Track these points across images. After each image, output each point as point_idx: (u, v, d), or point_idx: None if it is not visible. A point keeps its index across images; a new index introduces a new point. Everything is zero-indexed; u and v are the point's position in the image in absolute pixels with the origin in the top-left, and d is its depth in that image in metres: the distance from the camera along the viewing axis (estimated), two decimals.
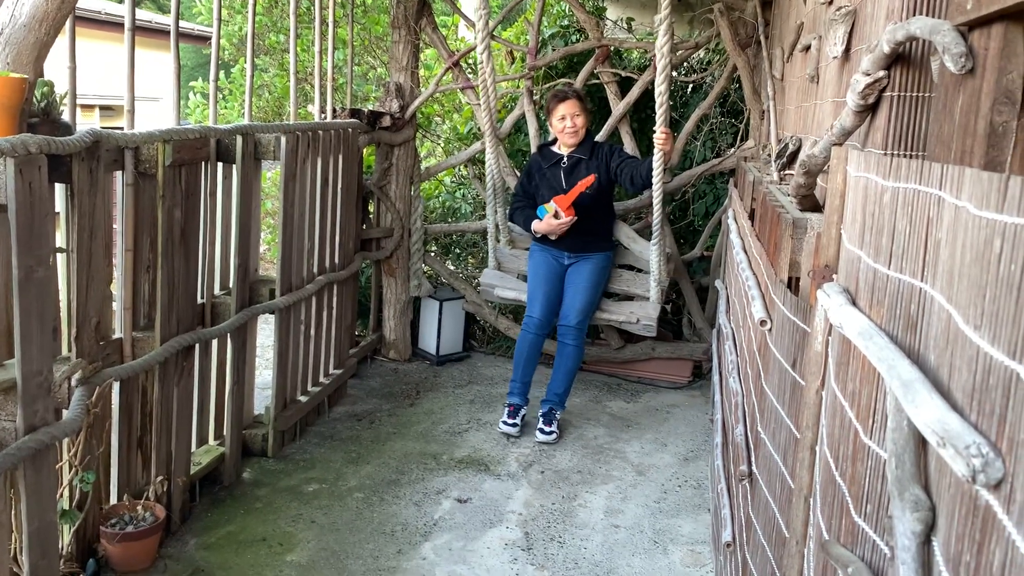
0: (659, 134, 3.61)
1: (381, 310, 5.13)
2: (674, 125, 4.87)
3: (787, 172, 2.50)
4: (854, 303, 1.05)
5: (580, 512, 3.33)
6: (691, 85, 5.27)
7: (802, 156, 1.79)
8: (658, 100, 3.58)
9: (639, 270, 4.42)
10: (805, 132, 2.52)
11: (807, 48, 2.56)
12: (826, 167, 1.54)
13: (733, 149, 4.74)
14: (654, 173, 3.71)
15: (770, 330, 1.78)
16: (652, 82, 4.56)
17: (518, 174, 4.99)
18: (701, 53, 5.28)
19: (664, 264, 4.19)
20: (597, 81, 4.83)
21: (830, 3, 2.13)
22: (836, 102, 1.87)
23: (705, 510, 3.39)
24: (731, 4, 4.43)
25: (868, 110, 1.38)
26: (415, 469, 3.61)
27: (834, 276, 1.25)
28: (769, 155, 3.02)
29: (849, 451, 1.02)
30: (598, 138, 4.75)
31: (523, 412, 4.11)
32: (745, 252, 2.64)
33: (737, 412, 2.36)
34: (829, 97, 2.03)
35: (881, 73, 1.31)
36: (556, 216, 3.88)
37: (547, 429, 4.00)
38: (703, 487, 3.61)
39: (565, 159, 4.03)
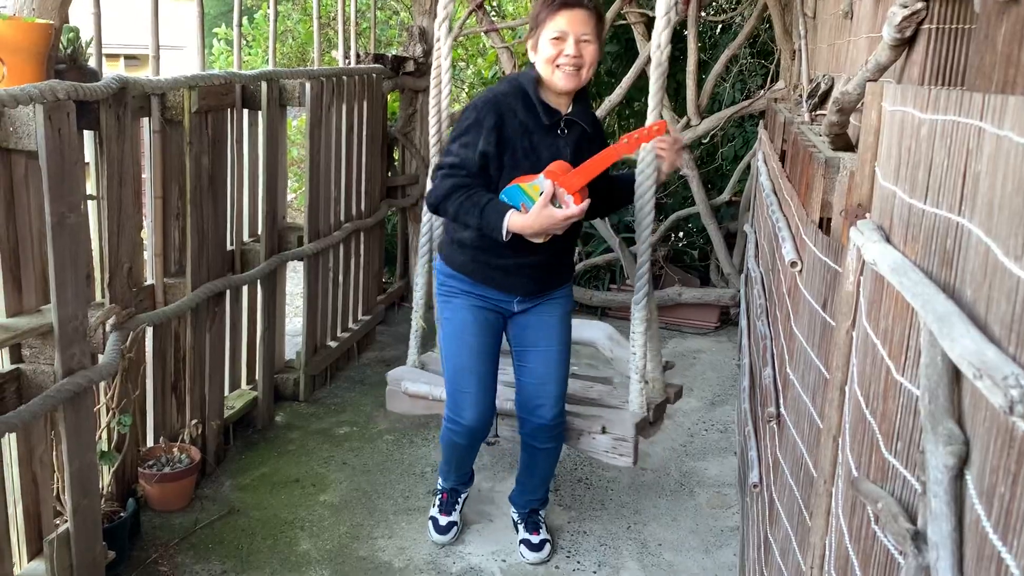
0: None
1: (407, 257, 5.14)
2: (703, 66, 4.78)
3: (819, 112, 2.45)
4: (888, 240, 1.03)
5: None
6: (720, 25, 5.16)
7: (835, 94, 1.76)
8: (653, 76, 2.56)
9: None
10: (838, 71, 2.46)
11: None
12: (860, 104, 1.51)
13: (763, 90, 4.65)
14: (638, 198, 2.58)
15: (800, 271, 1.77)
16: (681, 22, 4.48)
17: None
18: None
19: (657, 358, 2.80)
20: (624, 22, 4.73)
21: None
22: (871, 38, 1.82)
23: (731, 453, 3.41)
24: None
25: (905, 44, 1.34)
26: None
27: (867, 215, 1.23)
28: (800, 95, 2.96)
29: (880, 389, 1.01)
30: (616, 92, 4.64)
31: (464, 496, 2.84)
32: (775, 194, 2.60)
33: (766, 355, 2.35)
34: (863, 33, 1.97)
35: (919, 5, 1.27)
36: (554, 203, 2.24)
37: (535, 540, 2.68)
38: (729, 431, 3.62)
39: (563, 120, 2.34)
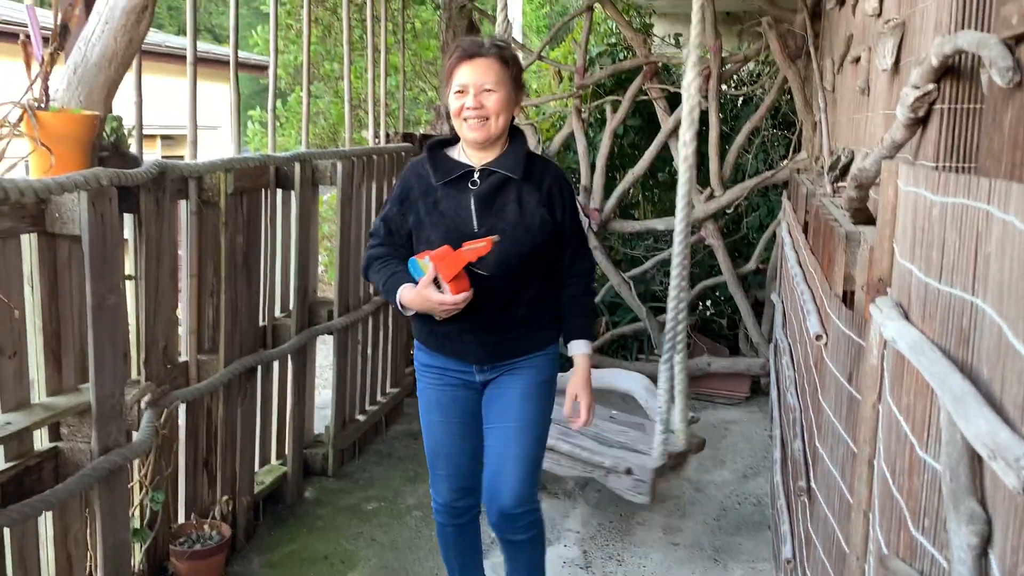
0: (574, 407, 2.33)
1: None
2: (725, 138, 4.85)
3: (840, 184, 2.48)
4: (907, 317, 1.05)
5: (638, 530, 3.32)
6: (741, 98, 5.25)
7: (854, 169, 1.79)
8: (682, 152, 2.72)
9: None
10: (857, 144, 2.50)
11: (857, 60, 2.55)
12: (878, 180, 1.54)
13: (786, 161, 4.70)
14: (677, 234, 2.72)
15: (826, 344, 1.77)
16: (703, 95, 4.57)
17: None
18: (751, 65, 5.25)
19: (684, 411, 3.11)
20: (646, 97, 4.84)
21: (879, 15, 2.13)
22: (887, 114, 1.86)
23: (765, 527, 3.35)
24: (779, 17, 4.41)
25: (918, 123, 1.38)
26: None
27: (888, 289, 1.25)
28: (822, 167, 3.00)
29: (906, 465, 1.02)
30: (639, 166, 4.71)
31: None
32: (800, 265, 2.62)
33: (795, 427, 2.34)
34: (880, 109, 2.02)
35: (931, 86, 1.30)
36: (437, 284, 2.08)
37: None
38: (763, 504, 3.56)
39: (476, 173, 2.19)
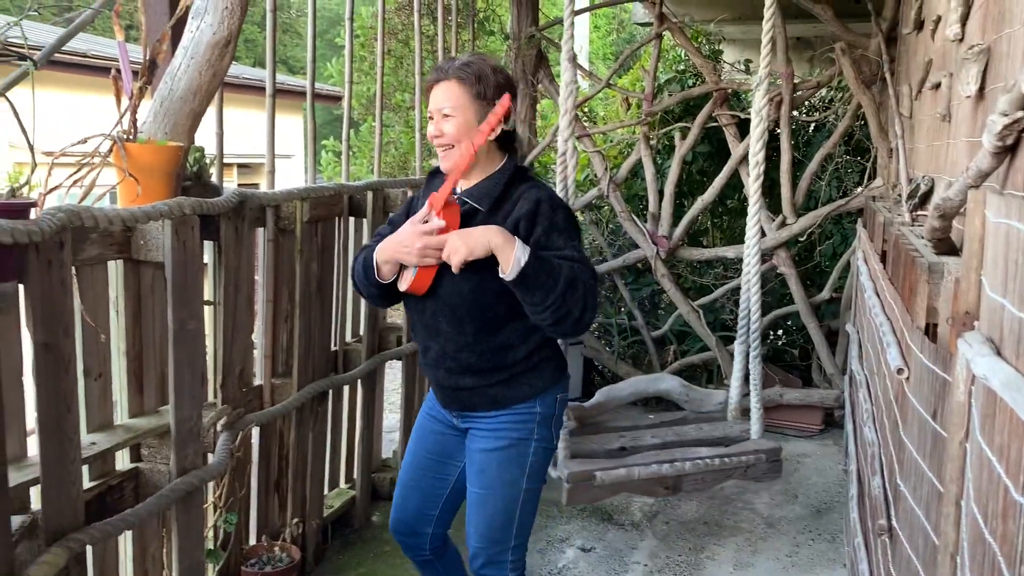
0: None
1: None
2: (798, 165, 4.78)
3: (920, 213, 2.41)
4: (999, 353, 1.01)
5: (708, 565, 3.25)
6: (813, 124, 5.17)
7: (936, 199, 1.74)
8: (752, 173, 2.85)
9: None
10: (937, 171, 2.43)
11: (937, 86, 2.48)
12: (962, 210, 1.49)
13: (860, 188, 4.60)
14: (748, 233, 2.68)
15: (907, 379, 1.72)
16: (774, 122, 4.52)
17: (635, 220, 5.01)
18: (823, 91, 5.17)
19: (758, 403, 3.21)
20: (716, 124, 4.80)
21: (961, 40, 2.07)
22: (970, 142, 1.81)
23: (840, 565, 3.24)
24: (853, 42, 4.34)
25: (1007, 151, 1.33)
26: (538, 516, 3.60)
27: (975, 323, 1.21)
28: (900, 195, 2.92)
29: (999, 508, 0.97)
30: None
31: None
32: (877, 296, 2.55)
33: (873, 463, 2.26)
34: (962, 136, 1.96)
35: (1020, 114, 1.26)
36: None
37: None
38: (838, 541, 3.45)
39: (456, 199, 2.03)
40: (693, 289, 5.29)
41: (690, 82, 5.20)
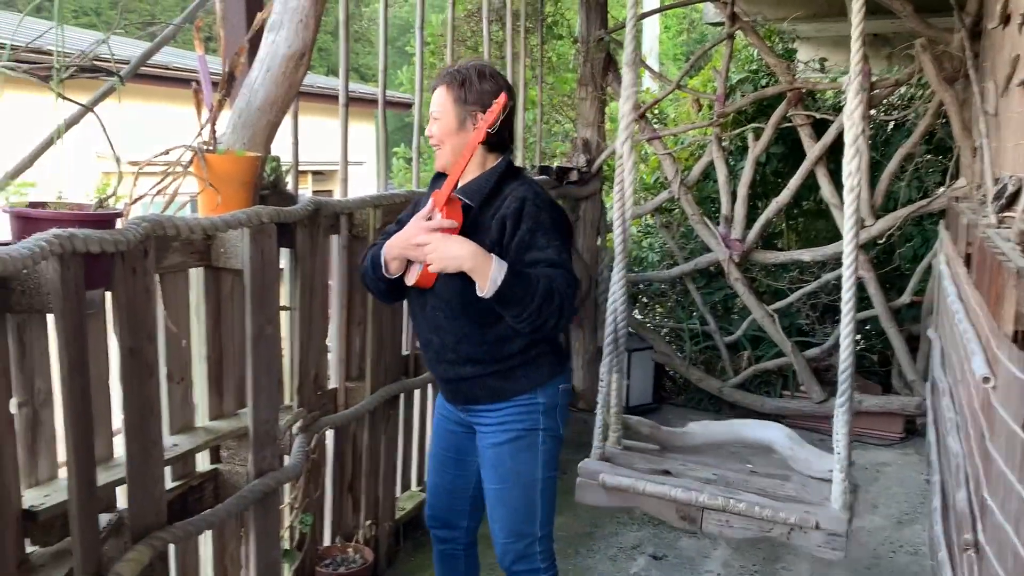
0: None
1: (571, 360, 5.18)
2: (876, 165, 4.64)
3: (1006, 214, 2.32)
4: None
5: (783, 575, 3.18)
6: (892, 123, 5.01)
7: None
8: (847, 183, 2.31)
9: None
10: None
11: None
12: None
13: (942, 189, 4.44)
14: (845, 256, 2.33)
15: (994, 388, 1.65)
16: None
17: (707, 222, 4.94)
18: (902, 89, 5.01)
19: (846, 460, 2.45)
20: (790, 124, 4.70)
21: None
22: None
23: None
24: (934, 38, 4.19)
25: None
26: (608, 523, 3.59)
27: None
28: (985, 196, 2.81)
29: None
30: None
31: None
32: (961, 301, 2.46)
33: (958, 475, 2.18)
34: None
35: None
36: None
37: None
38: (920, 554, 3.34)
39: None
40: (767, 293, 5.18)
41: (763, 82, 5.10)
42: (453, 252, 1.92)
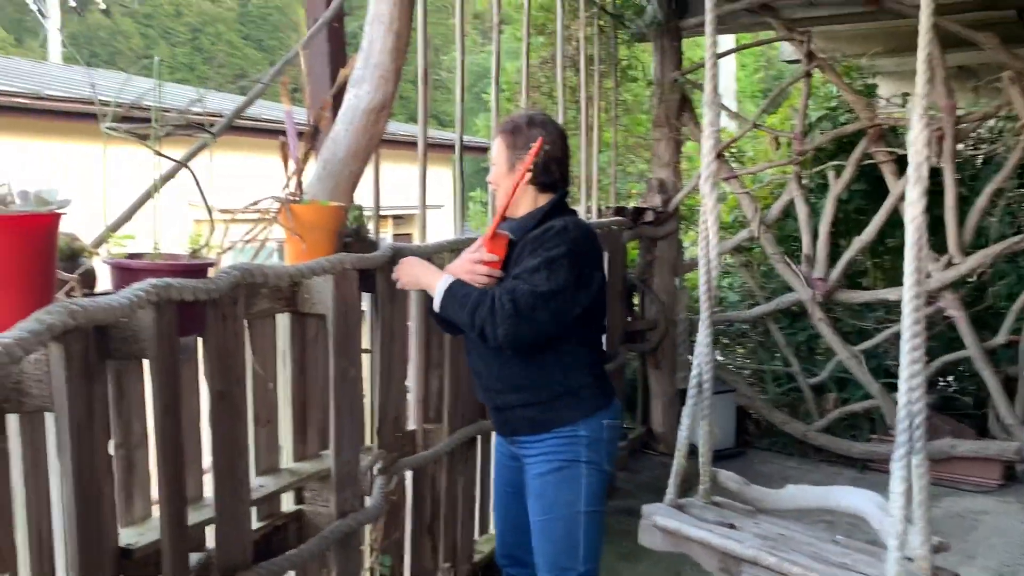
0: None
1: (648, 403, 5.12)
2: (964, 201, 4.49)
3: None
4: None
5: None
6: (981, 157, 4.86)
7: None
8: (907, 213, 2.09)
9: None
10: None
11: None
12: None
13: None
14: (906, 290, 2.05)
15: None
16: (936, 156, 4.28)
17: (789, 261, 4.85)
18: (991, 122, 4.86)
19: (926, 529, 2.16)
20: (872, 161, 4.61)
21: None
22: None
23: None
24: (1022, 70, 4.07)
25: None
26: (690, 570, 3.51)
27: None
28: None
29: None
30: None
31: None
32: None
33: None
34: None
35: None
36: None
37: None
38: None
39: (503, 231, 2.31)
40: (853, 333, 5.04)
41: (843, 119, 5.02)
42: (410, 271, 2.31)
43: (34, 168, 6.27)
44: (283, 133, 2.28)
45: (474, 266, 2.20)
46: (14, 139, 6.51)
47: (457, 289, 2.17)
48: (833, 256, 4.76)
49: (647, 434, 5.07)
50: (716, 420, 4.98)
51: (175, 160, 1.95)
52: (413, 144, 3.28)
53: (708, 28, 2.60)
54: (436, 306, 2.21)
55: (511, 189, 2.22)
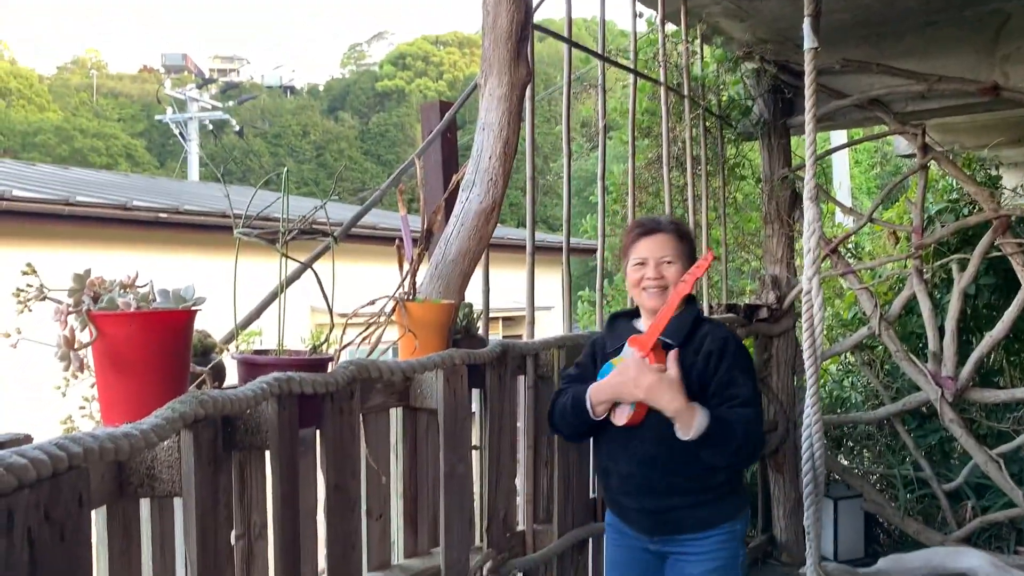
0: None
1: (770, 509, 4.89)
2: None
3: None
4: None
5: None
6: None
7: None
8: None
9: None
10: None
11: None
12: None
13: None
14: None
15: None
16: None
17: (914, 359, 4.63)
18: None
19: None
20: (1000, 254, 4.41)
21: None
22: None
23: None
24: None
25: None
26: None
27: None
28: None
29: None
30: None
31: None
32: None
33: None
34: None
35: None
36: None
37: None
38: None
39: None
40: (990, 436, 4.71)
41: (965, 211, 4.85)
42: (664, 401, 2.13)
43: (173, 276, 6.75)
44: (399, 239, 2.40)
45: (650, 382, 2.15)
46: (154, 253, 7.05)
47: (714, 428, 2.12)
48: (963, 353, 4.51)
49: (769, 542, 4.82)
50: (843, 527, 4.73)
51: (300, 261, 2.08)
52: (523, 247, 3.37)
53: (808, 127, 2.63)
54: (692, 435, 2.11)
55: (676, 297, 2.23)
